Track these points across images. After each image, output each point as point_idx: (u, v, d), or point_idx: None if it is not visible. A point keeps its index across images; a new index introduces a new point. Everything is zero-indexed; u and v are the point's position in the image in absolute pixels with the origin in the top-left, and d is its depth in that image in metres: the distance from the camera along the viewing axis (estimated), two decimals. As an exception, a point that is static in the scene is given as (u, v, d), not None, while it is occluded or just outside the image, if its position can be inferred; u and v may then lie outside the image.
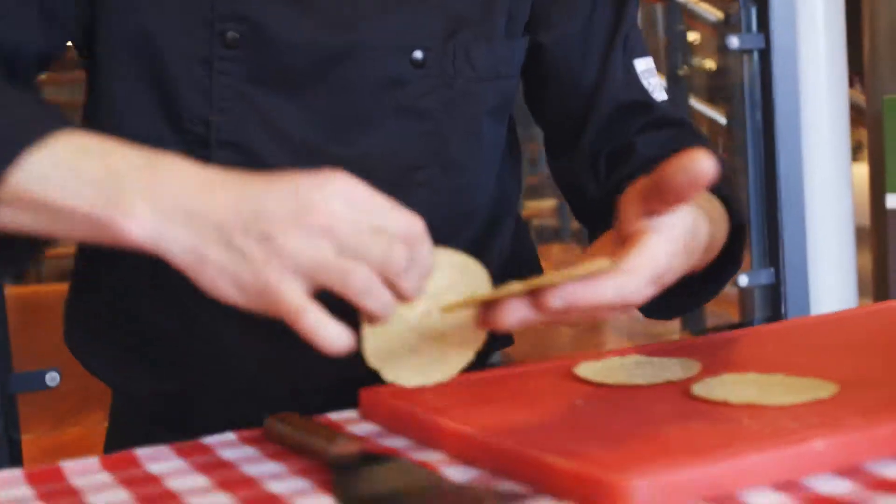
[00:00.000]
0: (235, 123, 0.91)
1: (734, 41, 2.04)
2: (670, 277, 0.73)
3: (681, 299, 0.99)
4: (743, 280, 2.06)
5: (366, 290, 0.66)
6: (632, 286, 0.68)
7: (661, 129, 1.04)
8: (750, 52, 2.08)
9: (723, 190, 0.94)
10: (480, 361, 1.10)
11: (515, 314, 0.68)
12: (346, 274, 0.66)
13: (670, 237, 0.71)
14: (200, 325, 0.94)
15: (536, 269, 1.12)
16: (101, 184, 0.69)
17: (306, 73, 0.91)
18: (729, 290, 2.20)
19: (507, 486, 0.66)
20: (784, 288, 2.08)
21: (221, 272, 0.67)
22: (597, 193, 1.01)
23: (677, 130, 1.05)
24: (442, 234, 0.98)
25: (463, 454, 0.72)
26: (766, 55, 2.06)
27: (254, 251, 0.66)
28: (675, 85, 2.67)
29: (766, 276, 2.08)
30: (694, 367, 0.85)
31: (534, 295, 0.68)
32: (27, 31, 0.88)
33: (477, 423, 0.72)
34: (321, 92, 0.92)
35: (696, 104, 2.80)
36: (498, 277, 0.76)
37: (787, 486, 0.64)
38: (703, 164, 0.67)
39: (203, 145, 0.90)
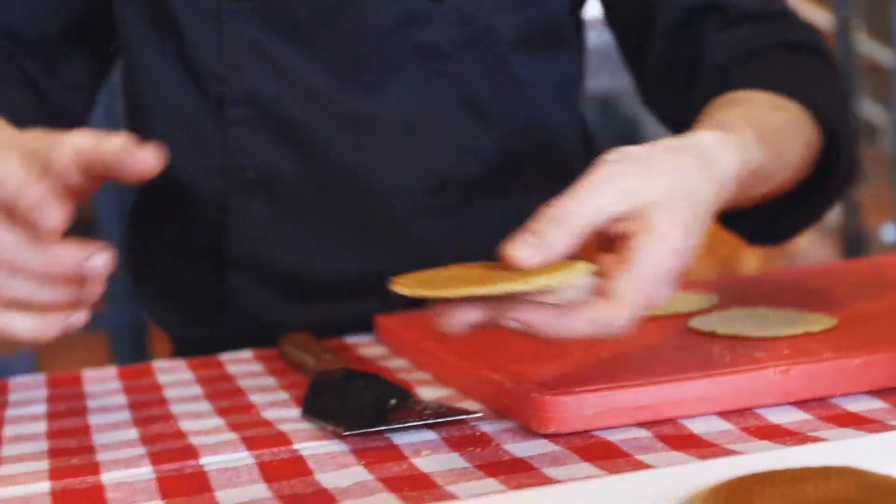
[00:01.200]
0: (246, 77, 0.90)
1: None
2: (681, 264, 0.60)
3: (784, 220, 0.87)
4: (890, 233, 1.97)
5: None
6: (613, 317, 0.57)
7: (741, 27, 0.91)
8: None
9: (808, 94, 0.80)
10: None
11: (466, 319, 0.57)
12: None
13: (663, 234, 0.58)
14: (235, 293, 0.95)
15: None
16: None
17: (316, 15, 0.89)
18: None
19: (465, 404, 0.67)
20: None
21: None
22: (683, 116, 0.82)
23: (759, 25, 0.91)
24: (480, 197, 0.91)
25: (441, 376, 0.74)
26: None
27: None
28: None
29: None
30: (710, 300, 0.83)
31: (490, 304, 0.57)
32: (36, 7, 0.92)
33: (457, 349, 0.74)
34: (332, 35, 0.89)
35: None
36: None
37: (734, 414, 0.63)
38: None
39: (221, 105, 0.90)
